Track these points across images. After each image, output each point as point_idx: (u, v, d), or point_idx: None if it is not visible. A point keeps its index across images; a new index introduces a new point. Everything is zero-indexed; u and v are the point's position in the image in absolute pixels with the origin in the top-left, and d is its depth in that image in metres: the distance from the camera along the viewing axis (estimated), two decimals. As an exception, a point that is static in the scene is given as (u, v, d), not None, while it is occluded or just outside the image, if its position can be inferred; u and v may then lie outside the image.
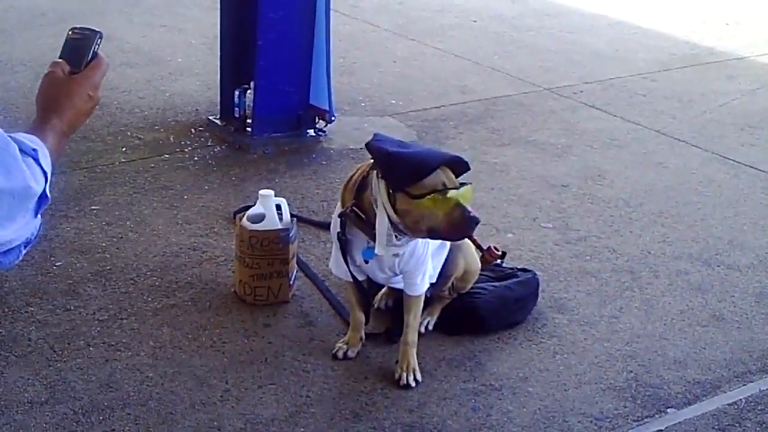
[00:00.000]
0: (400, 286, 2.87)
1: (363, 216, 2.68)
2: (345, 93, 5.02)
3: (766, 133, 4.93)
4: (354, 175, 2.77)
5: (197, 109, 4.84)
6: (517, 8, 7.20)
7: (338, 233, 2.76)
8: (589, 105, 5.22)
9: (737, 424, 2.70)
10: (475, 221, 2.58)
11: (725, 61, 6.15)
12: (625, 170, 4.40)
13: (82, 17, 6.25)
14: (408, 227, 2.60)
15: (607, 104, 5.23)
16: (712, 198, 4.15)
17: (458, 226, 2.57)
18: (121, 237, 3.56)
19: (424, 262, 2.77)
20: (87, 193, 3.89)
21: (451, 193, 2.53)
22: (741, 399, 2.81)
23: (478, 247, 3.14)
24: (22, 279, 3.23)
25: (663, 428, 2.66)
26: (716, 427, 2.69)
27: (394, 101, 5.13)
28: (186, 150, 4.38)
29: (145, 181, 4.04)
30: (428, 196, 2.52)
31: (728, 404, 2.79)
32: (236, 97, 4.48)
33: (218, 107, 4.64)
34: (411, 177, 2.55)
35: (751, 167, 4.47)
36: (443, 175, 2.56)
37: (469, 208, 2.55)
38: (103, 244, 3.50)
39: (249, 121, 4.44)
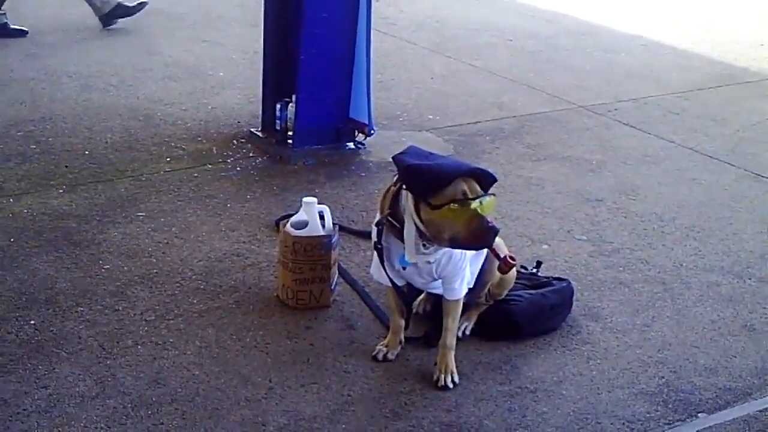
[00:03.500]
0: (439, 291, 2.96)
1: (398, 225, 2.79)
2: (383, 108, 5.14)
3: (799, 151, 4.98)
4: (391, 186, 2.87)
5: (239, 122, 4.97)
6: (553, 28, 7.30)
7: (375, 242, 2.87)
8: (623, 123, 5.29)
9: (766, 430, 2.76)
10: (495, 231, 2.66)
11: (759, 81, 6.20)
12: (658, 186, 4.46)
13: (125, 33, 6.44)
14: (433, 236, 2.70)
15: (641, 122, 5.30)
16: (744, 214, 4.20)
17: (477, 236, 2.65)
18: (167, 242, 3.68)
19: (462, 267, 2.86)
20: (133, 200, 4.02)
21: (473, 204, 2.62)
22: (772, 407, 2.87)
23: (496, 256, 3.20)
24: (71, 281, 3.36)
25: (694, 432, 2.73)
26: (746, 432, 2.75)
27: (431, 116, 5.24)
28: (228, 161, 4.51)
29: (189, 189, 4.17)
30: (447, 206, 2.62)
31: (759, 411, 2.84)
32: (278, 110, 4.62)
33: (260, 120, 4.78)
34: (431, 188, 2.66)
35: (784, 185, 4.53)
36: (464, 186, 2.64)
37: (489, 219, 2.63)
38: (150, 249, 3.62)
39: (290, 133, 4.56)
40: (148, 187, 4.18)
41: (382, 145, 4.73)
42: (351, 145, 4.64)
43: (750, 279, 3.62)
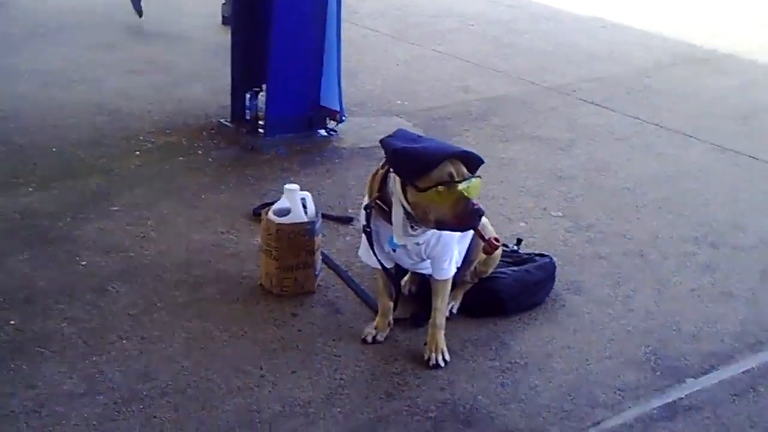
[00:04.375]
0: (427, 271, 2.97)
1: (386, 208, 2.79)
2: (351, 95, 5.11)
3: (759, 125, 5.07)
4: (379, 169, 2.86)
5: (206, 113, 4.93)
6: (513, 12, 7.35)
7: (364, 225, 2.86)
8: (589, 102, 5.35)
9: (751, 390, 2.82)
10: (480, 213, 2.66)
11: (716, 58, 6.30)
12: (627, 162, 4.52)
13: (83, 28, 6.35)
14: (419, 218, 2.70)
15: (606, 100, 5.36)
16: (713, 185, 4.27)
17: (463, 217, 2.65)
18: (144, 236, 3.64)
19: (451, 247, 2.87)
20: (105, 195, 3.97)
21: (459, 186, 2.63)
22: (753, 367, 2.93)
23: (481, 237, 3.21)
24: (49, 279, 3.31)
25: (683, 396, 2.77)
26: (732, 392, 2.80)
27: (399, 101, 5.25)
28: (199, 152, 4.47)
29: (162, 182, 4.13)
30: (433, 189, 2.62)
31: (742, 372, 2.90)
32: (247, 99, 4.59)
33: (229, 110, 4.74)
34: (417, 171, 2.65)
35: (748, 156, 4.60)
36: (450, 168, 2.64)
37: (474, 201, 2.64)
38: (127, 243, 3.58)
39: (261, 122, 4.54)
40: (120, 181, 4.12)
41: (353, 131, 4.73)
42: (323, 132, 4.63)
43: (724, 247, 3.68)
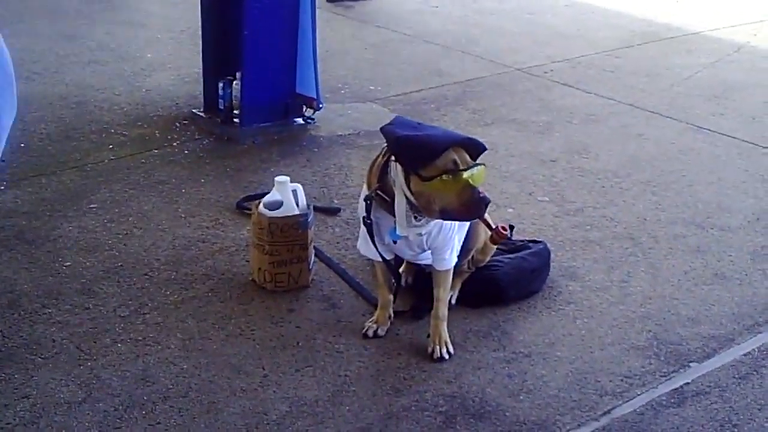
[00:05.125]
0: (427, 262, 2.92)
1: (387, 198, 2.72)
2: (323, 82, 4.99)
3: (732, 102, 5.10)
4: (377, 158, 2.80)
5: (177, 103, 4.81)
6: (475, -8, 7.31)
7: (363, 217, 2.80)
8: (562, 83, 5.34)
9: (755, 372, 2.83)
10: (486, 201, 2.60)
11: (682, 36, 6.34)
12: (607, 143, 4.52)
13: (41, 17, 6.16)
14: (423, 208, 2.65)
15: (579, 81, 5.35)
16: (694, 166, 4.29)
17: (469, 206, 2.60)
18: (126, 233, 3.54)
19: (451, 237, 2.83)
20: (82, 192, 3.85)
21: (464, 175, 2.58)
22: (755, 349, 2.93)
23: (488, 226, 3.20)
24: (32, 281, 3.20)
25: (689, 381, 2.77)
26: (736, 376, 2.81)
27: (372, 87, 5.18)
28: (174, 144, 4.36)
29: (139, 176, 4.01)
30: (438, 178, 2.56)
31: (744, 354, 2.91)
32: (220, 88, 4.48)
33: (201, 100, 4.63)
34: (421, 160, 2.59)
35: (725, 135, 4.63)
36: (455, 156, 2.59)
37: (480, 189, 2.59)
38: (110, 242, 3.47)
39: (236, 112, 4.44)
40: (95, 177, 4.00)
41: (329, 118, 4.66)
42: (300, 120, 4.55)
43: (712, 229, 3.70)
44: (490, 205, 2.62)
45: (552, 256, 3.36)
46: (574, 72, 5.52)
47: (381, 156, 2.78)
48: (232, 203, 3.76)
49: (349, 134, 4.52)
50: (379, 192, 2.74)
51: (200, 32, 4.55)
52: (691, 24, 6.57)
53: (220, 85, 4.47)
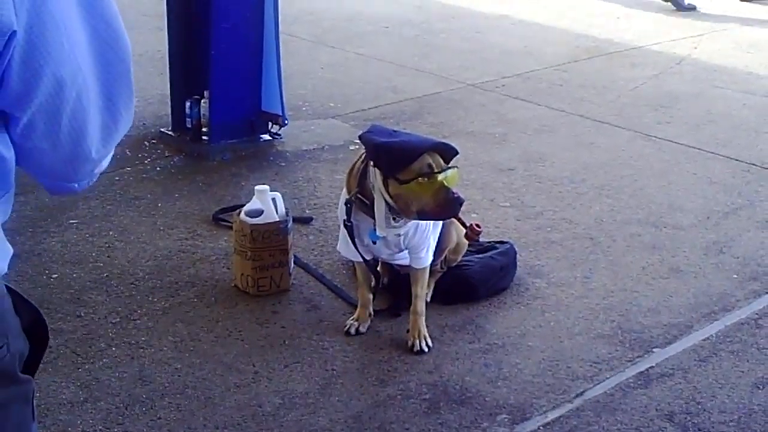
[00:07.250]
0: (404, 262, 3.10)
1: (367, 201, 2.90)
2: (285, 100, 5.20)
3: (676, 111, 5.39)
4: (356, 163, 2.98)
5: (144, 123, 4.93)
6: (423, 13, 7.55)
7: (344, 220, 2.97)
8: (513, 97, 5.58)
9: (714, 355, 3.05)
10: (460, 201, 2.81)
11: (625, 51, 6.64)
12: (561, 152, 4.75)
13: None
14: (401, 209, 2.83)
15: (530, 95, 5.60)
16: (644, 170, 4.54)
17: (444, 206, 2.80)
18: (109, 246, 3.65)
19: (427, 237, 3.01)
20: (61, 208, 3.95)
21: (439, 177, 2.77)
22: (712, 335, 3.16)
23: (462, 224, 3.39)
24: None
25: (654, 365, 2.98)
26: (696, 359, 3.03)
27: (332, 104, 5.36)
28: (146, 162, 4.48)
29: (115, 193, 4.12)
30: (415, 181, 2.76)
31: (703, 340, 3.13)
32: (188, 107, 4.61)
33: (168, 119, 4.76)
34: (398, 164, 2.78)
35: (672, 141, 4.91)
36: (429, 160, 2.79)
37: (454, 190, 2.79)
38: (94, 254, 3.58)
39: (204, 129, 4.57)
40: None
41: (293, 134, 4.82)
42: (266, 136, 4.70)
43: (665, 227, 3.94)
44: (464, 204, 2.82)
45: (517, 256, 3.56)
46: (525, 86, 5.77)
47: (360, 161, 2.95)
48: (208, 216, 3.90)
49: (314, 149, 4.69)
50: (358, 195, 2.91)
51: (163, 54, 4.69)
52: (633, 39, 6.89)
53: (187, 104, 4.61)
